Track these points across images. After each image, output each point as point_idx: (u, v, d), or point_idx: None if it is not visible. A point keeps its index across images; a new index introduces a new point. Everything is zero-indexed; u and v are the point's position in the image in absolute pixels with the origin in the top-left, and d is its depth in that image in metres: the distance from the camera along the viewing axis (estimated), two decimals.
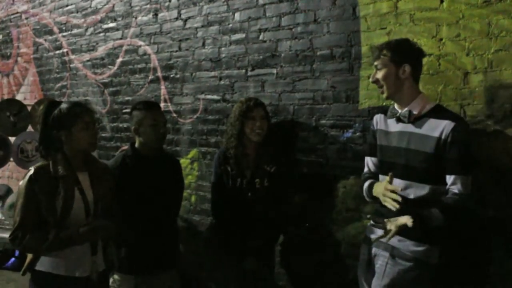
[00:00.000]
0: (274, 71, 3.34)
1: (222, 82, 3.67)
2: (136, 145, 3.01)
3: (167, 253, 3.03)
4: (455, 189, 2.20)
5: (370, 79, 2.45)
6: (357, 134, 2.95)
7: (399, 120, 2.39)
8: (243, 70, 3.53)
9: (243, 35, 3.53)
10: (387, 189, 2.28)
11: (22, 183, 2.36)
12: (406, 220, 2.17)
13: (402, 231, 2.20)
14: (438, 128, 2.23)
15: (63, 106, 2.44)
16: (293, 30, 3.23)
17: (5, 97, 6.15)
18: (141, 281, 2.95)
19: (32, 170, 2.36)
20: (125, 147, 4.30)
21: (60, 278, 2.38)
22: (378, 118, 2.57)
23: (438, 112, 2.30)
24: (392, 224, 2.22)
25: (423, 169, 2.28)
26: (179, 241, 3.22)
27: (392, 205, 2.25)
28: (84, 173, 2.49)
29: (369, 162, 2.62)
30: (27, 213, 2.31)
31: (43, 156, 2.45)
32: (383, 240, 2.27)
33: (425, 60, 2.62)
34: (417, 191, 2.29)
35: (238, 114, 3.04)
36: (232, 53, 3.60)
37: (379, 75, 2.37)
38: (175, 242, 3.16)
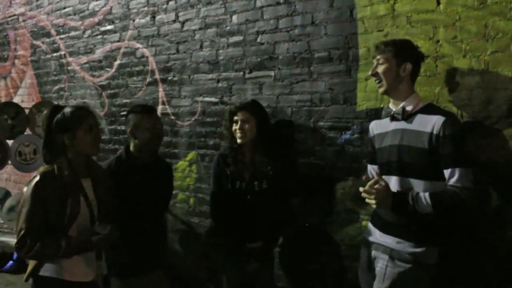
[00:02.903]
0: (272, 73, 3.35)
1: (220, 85, 3.68)
2: (131, 148, 3.02)
3: (153, 254, 3.05)
4: (453, 181, 2.21)
5: (370, 72, 2.47)
6: (355, 136, 2.97)
7: (393, 118, 2.43)
8: (241, 73, 3.54)
9: (241, 38, 3.54)
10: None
11: (27, 189, 2.32)
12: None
13: (383, 197, 2.25)
14: (429, 123, 2.26)
15: (67, 109, 2.44)
16: (291, 32, 3.25)
17: (2, 99, 6.14)
18: (131, 282, 2.97)
19: (38, 177, 2.33)
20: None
21: (65, 283, 2.37)
22: (373, 125, 2.63)
23: (429, 109, 2.35)
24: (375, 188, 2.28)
25: (416, 164, 2.30)
26: (166, 241, 3.23)
27: (368, 200, 2.30)
28: (86, 178, 2.49)
29: (371, 170, 2.67)
30: (34, 220, 2.28)
31: (47, 161, 2.45)
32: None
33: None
34: (413, 187, 2.31)
35: (226, 117, 3.13)
36: (230, 55, 3.61)
37: (380, 69, 2.42)
38: (162, 243, 3.20)
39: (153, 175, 2.99)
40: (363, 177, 2.38)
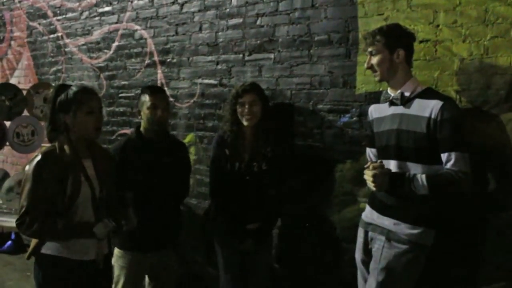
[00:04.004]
0: (272, 56, 3.36)
1: (219, 67, 3.69)
2: (141, 128, 3.10)
3: (167, 233, 3.13)
4: (450, 165, 2.25)
5: (365, 66, 2.50)
6: (354, 119, 2.99)
7: (391, 103, 2.46)
8: (241, 55, 3.54)
9: (241, 20, 3.53)
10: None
11: (29, 168, 2.34)
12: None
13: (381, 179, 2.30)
14: (427, 108, 2.29)
15: (71, 90, 2.44)
16: (291, 15, 3.24)
17: None
18: (137, 257, 3.04)
19: (39, 156, 2.35)
20: (122, 131, 4.34)
21: (66, 261, 2.39)
22: (372, 109, 2.66)
23: (428, 93, 2.37)
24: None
25: (414, 148, 2.34)
26: (181, 222, 3.30)
27: (369, 183, 2.35)
28: (87, 159, 2.50)
29: (370, 154, 2.71)
30: (35, 198, 2.30)
31: (50, 139, 2.46)
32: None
33: (422, 46, 2.67)
34: (412, 171, 2.35)
35: (230, 99, 3.11)
36: (229, 37, 3.61)
37: (374, 61, 2.44)
38: (177, 223, 3.25)
39: (164, 152, 3.06)
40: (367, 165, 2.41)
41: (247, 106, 3.01)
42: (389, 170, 2.35)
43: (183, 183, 3.27)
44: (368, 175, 2.34)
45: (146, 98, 3.01)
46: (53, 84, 4.68)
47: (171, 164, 3.08)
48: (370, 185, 2.35)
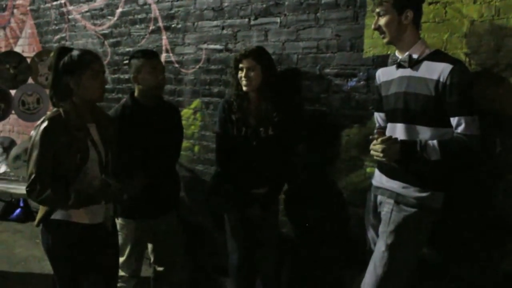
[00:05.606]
0: (278, 20, 3.30)
1: (224, 32, 3.64)
2: (135, 94, 3.09)
3: (167, 197, 3.16)
4: (460, 130, 2.23)
5: (372, 26, 2.45)
6: (361, 83, 2.95)
7: (399, 66, 2.43)
8: (246, 19, 3.49)
9: None
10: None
11: (36, 133, 2.32)
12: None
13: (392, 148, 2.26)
14: (436, 71, 2.26)
15: (74, 52, 2.42)
16: None
17: (2, 50, 6.07)
18: (141, 225, 3.08)
19: (46, 122, 2.33)
20: None
21: (74, 225, 2.41)
22: (379, 73, 2.63)
23: (437, 56, 2.33)
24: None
25: (422, 111, 2.31)
26: (179, 186, 3.35)
27: (376, 156, 2.31)
28: (92, 124, 2.50)
29: (378, 118, 2.69)
30: (44, 164, 2.30)
31: (54, 103, 2.45)
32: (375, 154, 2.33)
33: (431, 7, 2.62)
34: (420, 134, 2.33)
35: (232, 64, 3.11)
36: (234, 2, 3.54)
37: (382, 21, 2.39)
38: (175, 187, 3.29)
39: (159, 117, 3.07)
40: (372, 137, 2.36)
41: (244, 71, 3.00)
42: (397, 139, 2.32)
43: (176, 147, 3.30)
44: (376, 150, 2.31)
45: (143, 62, 2.98)
46: None
47: (168, 128, 3.10)
48: (380, 159, 2.32)
